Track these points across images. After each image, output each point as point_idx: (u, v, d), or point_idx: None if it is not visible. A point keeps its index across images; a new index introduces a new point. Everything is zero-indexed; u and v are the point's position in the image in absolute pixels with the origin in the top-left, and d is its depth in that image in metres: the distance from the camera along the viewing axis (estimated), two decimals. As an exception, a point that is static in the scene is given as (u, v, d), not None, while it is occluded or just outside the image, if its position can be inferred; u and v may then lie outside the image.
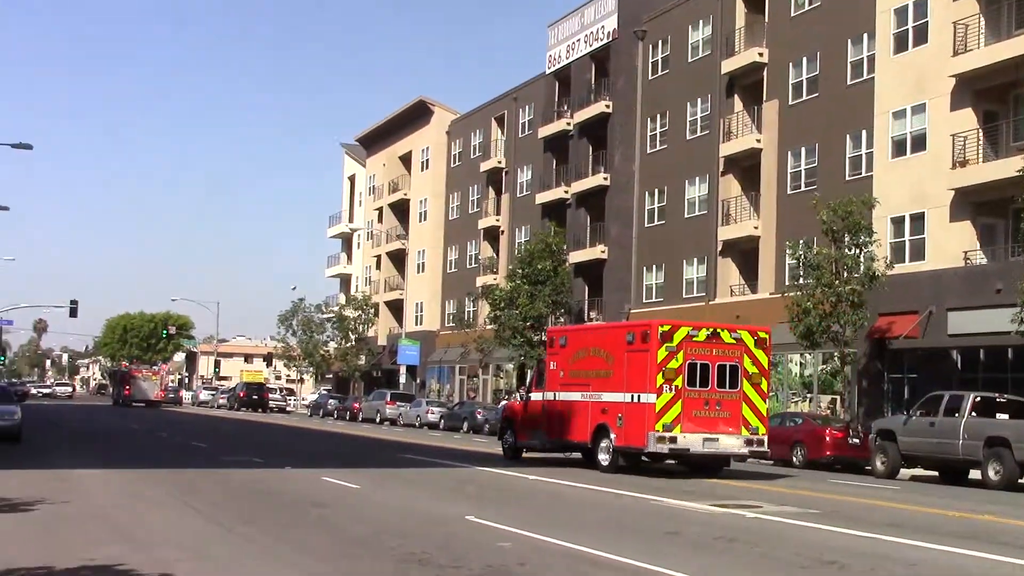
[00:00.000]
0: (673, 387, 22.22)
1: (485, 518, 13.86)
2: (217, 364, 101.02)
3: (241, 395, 73.85)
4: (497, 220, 62.84)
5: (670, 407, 22.22)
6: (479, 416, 47.92)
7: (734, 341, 22.74)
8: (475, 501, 16.34)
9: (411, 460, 26.06)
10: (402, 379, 67.00)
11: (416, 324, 70.36)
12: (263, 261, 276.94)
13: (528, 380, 28.61)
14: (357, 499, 16.39)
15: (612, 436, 23.09)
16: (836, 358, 33.66)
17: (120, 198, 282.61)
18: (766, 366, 23.00)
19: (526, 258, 51.78)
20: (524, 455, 26.72)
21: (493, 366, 60.86)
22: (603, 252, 51.94)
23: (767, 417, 23.18)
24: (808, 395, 37.47)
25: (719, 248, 44.35)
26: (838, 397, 35.06)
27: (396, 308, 74.29)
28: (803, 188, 39.62)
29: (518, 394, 28.24)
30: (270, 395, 75.27)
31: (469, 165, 66.66)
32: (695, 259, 45.87)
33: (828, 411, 35.20)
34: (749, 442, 22.70)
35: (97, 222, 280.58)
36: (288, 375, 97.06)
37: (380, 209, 77.47)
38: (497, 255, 63.34)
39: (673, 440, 22.16)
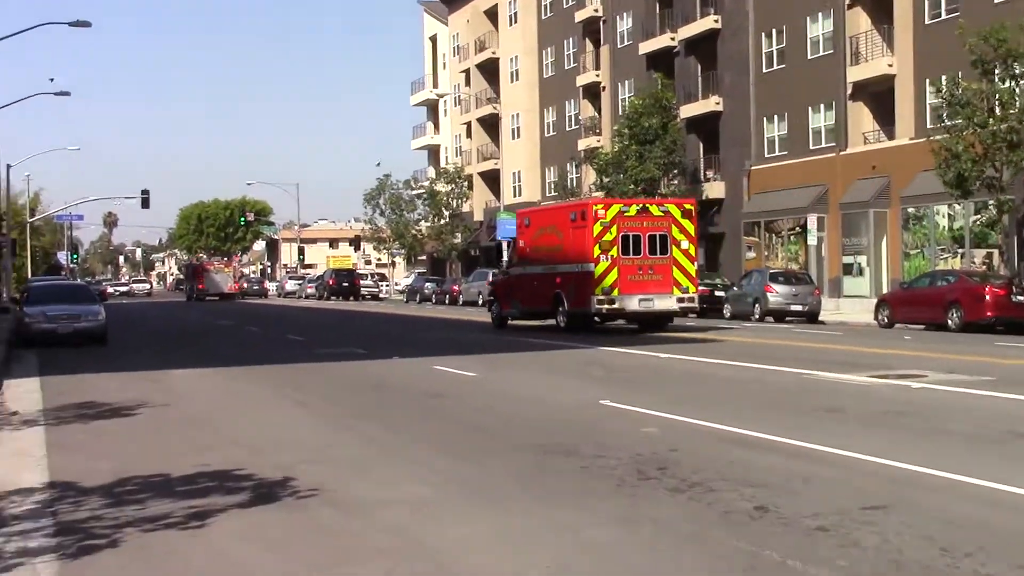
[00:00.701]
0: (609, 256, 28.28)
1: (620, 401, 13.73)
2: (301, 251, 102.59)
3: (330, 283, 74.89)
4: (597, 75, 61.39)
5: (607, 273, 28.31)
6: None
7: (662, 213, 28.70)
8: (604, 383, 16.32)
9: (525, 344, 26.18)
10: (504, 256, 66.95)
11: (515, 195, 70.08)
12: (343, 138, 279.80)
13: (507, 257, 34.64)
14: (476, 387, 16.46)
15: (565, 302, 29.57)
16: (992, 207, 32.68)
17: (189, 80, 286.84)
18: (693, 233, 28.84)
19: (632, 116, 50.55)
20: (509, 323, 32.98)
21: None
22: (717, 104, 50.39)
23: (696, 278, 29.23)
24: (959, 250, 36.42)
25: (848, 92, 42.43)
26: (995, 251, 34.21)
27: (492, 179, 73.93)
28: (944, 16, 37.87)
29: (500, 270, 35.06)
30: (361, 281, 76.24)
31: (562, 16, 64.98)
32: (821, 105, 44.04)
33: (984, 267, 34.26)
34: (681, 300, 28.79)
35: (166, 106, 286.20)
36: (378, 259, 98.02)
37: (467, 71, 76.37)
38: (599, 114, 62.25)
39: (612, 302, 28.33)
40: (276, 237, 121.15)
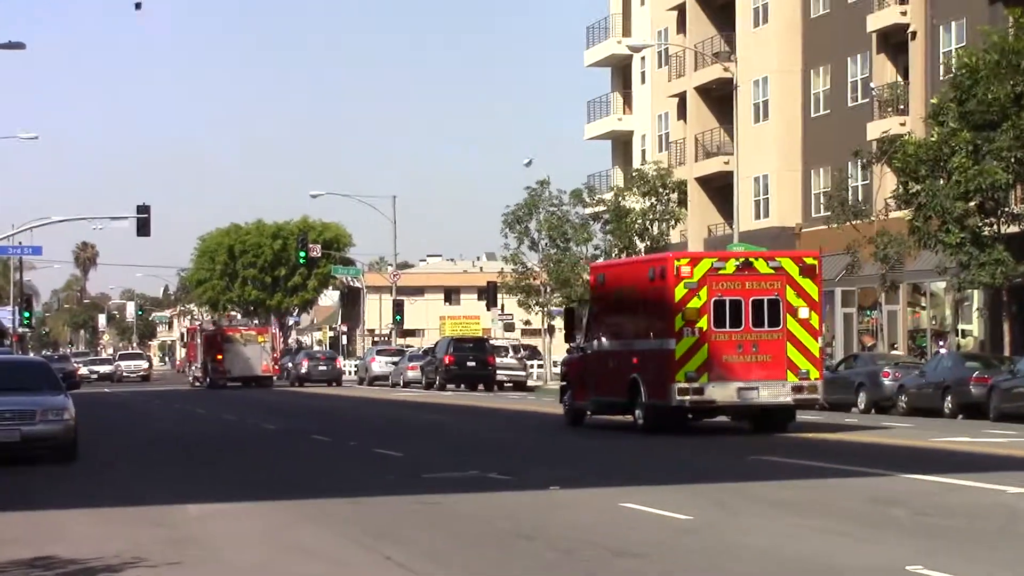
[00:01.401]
0: (696, 330, 32.95)
1: (938, 568, 13.90)
2: (398, 308, 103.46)
3: (447, 362, 75.62)
4: (902, 13, 60.94)
5: (693, 353, 33.02)
6: (886, 380, 47.43)
7: (772, 271, 33.46)
8: (911, 534, 16.53)
9: (773, 465, 26.45)
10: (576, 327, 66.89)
11: (757, 216, 69.84)
12: (466, 127, 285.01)
13: (584, 328, 40.00)
14: (695, 541, 16.54)
15: (643, 391, 34.30)
16: None
17: (220, 42, 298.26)
18: (816, 298, 33.45)
19: (963, 81, 49.80)
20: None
21: (907, 286, 60.13)
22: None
23: (820, 358, 34.21)
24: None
25: None
26: None
27: (719, 189, 73.98)
28: None
29: (574, 345, 40.98)
30: (497, 359, 77.07)
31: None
32: None
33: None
34: (798, 389, 33.32)
35: (184, 77, 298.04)
36: (526, 321, 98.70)
37: (680, 6, 76.84)
38: (905, 79, 62.15)
39: (699, 392, 33.01)
40: (358, 284, 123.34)
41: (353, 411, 53.15)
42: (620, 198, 75.55)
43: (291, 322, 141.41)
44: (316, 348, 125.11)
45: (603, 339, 37.47)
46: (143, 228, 70.83)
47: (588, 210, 78.97)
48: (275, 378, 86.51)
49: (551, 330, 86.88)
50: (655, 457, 29.84)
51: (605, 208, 76.74)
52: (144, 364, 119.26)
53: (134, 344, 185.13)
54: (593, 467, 27.27)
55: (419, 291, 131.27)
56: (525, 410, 52.58)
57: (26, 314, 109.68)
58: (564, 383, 41.40)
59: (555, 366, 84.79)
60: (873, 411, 46.11)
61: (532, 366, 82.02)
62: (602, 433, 36.72)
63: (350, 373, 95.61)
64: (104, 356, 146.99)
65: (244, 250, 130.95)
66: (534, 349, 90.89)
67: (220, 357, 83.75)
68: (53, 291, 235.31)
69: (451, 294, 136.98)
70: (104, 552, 15.87)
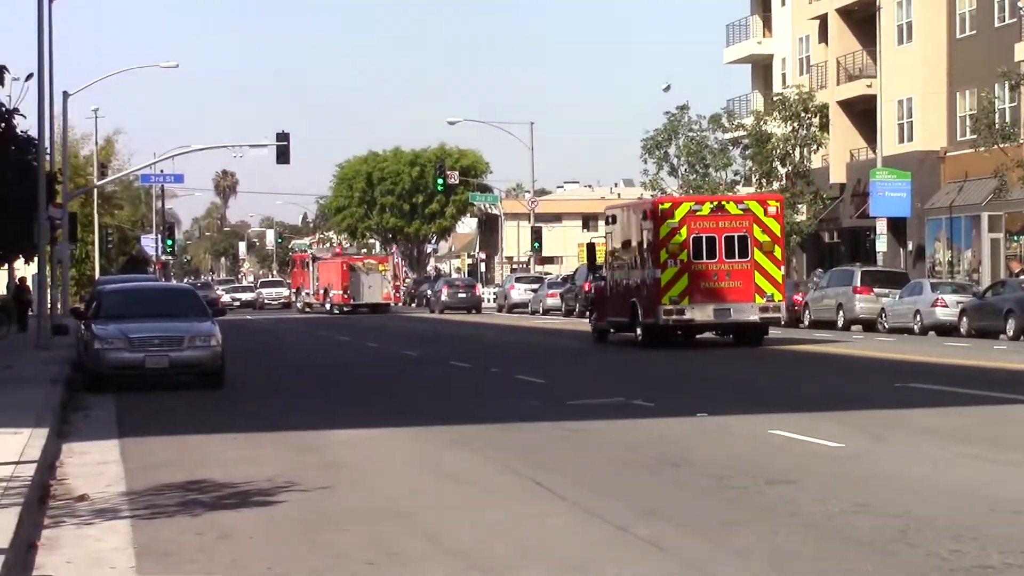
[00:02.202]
0: (678, 261, 40.38)
1: None
2: (536, 235, 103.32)
3: (587, 289, 75.39)
4: (1051, -76, 59.34)
5: (676, 280, 40.30)
6: (1037, 308, 46.56)
7: (741, 212, 40.97)
8: None
9: (925, 393, 26.26)
10: (879, 245, 65.95)
11: (901, 140, 68.71)
12: (604, 49, 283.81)
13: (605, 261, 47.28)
14: (846, 470, 16.42)
15: (640, 312, 41.77)
16: None
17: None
18: (779, 234, 41.85)
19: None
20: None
21: (1057, 210, 58.87)
22: None
23: (782, 284, 41.78)
24: None
25: None
26: None
27: (862, 113, 72.81)
28: None
29: (596, 275, 48.63)
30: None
31: None
32: None
33: None
34: (764, 309, 40.81)
35: (321, 5, 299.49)
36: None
37: (817, -76, 75.50)
38: (1055, -7, 60.19)
39: (680, 312, 40.57)
40: (495, 211, 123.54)
41: (493, 338, 53.49)
42: (760, 123, 74.69)
43: (429, 249, 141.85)
44: (455, 275, 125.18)
45: (615, 270, 45.13)
46: (282, 156, 70.93)
47: (727, 135, 78.15)
48: (392, 305, 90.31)
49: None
50: (798, 384, 29.76)
51: (745, 133, 75.92)
52: (285, 291, 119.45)
53: (274, 272, 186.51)
54: (741, 395, 27.20)
55: (557, 218, 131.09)
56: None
57: (168, 242, 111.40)
58: (590, 307, 50.61)
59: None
60: (1023, 338, 45.07)
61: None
62: (727, 358, 39.09)
63: (489, 300, 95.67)
64: (245, 283, 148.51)
65: (382, 177, 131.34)
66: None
67: (346, 284, 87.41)
68: (194, 219, 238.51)
69: (589, 221, 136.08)
70: (255, 476, 16.09)
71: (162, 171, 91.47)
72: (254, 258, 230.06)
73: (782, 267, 41.69)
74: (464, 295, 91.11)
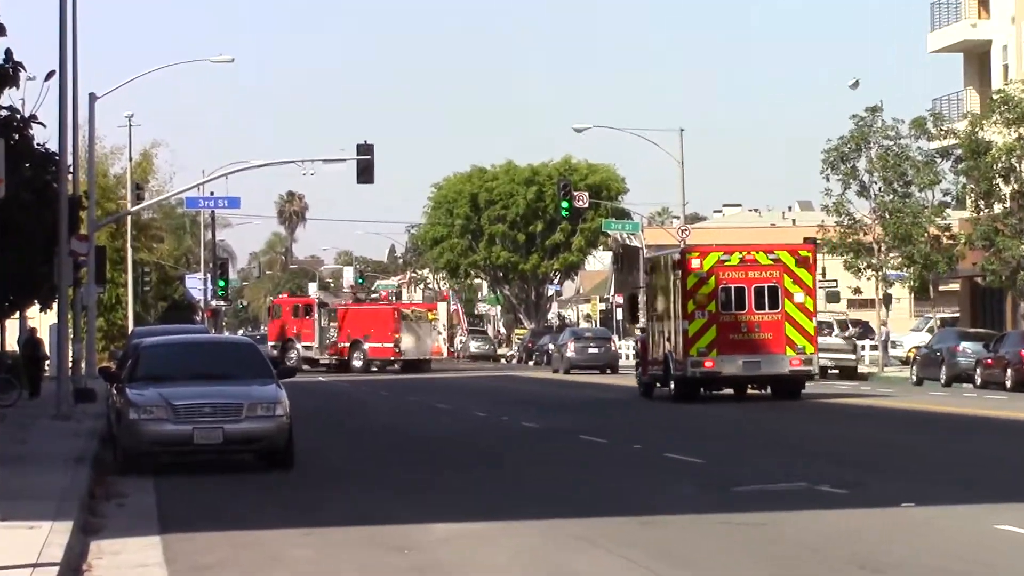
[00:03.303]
0: (706, 312, 48.99)
1: None
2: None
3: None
4: None
5: (704, 332, 48.93)
6: None
7: (771, 262, 49.43)
8: None
9: None
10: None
11: None
12: (771, 39, 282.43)
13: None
14: None
15: (672, 364, 50.19)
16: None
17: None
18: (810, 284, 50.01)
19: None
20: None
21: None
22: None
23: (814, 336, 50.39)
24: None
25: None
26: None
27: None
28: None
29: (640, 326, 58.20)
30: (819, 338, 75.64)
31: None
32: None
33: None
34: (795, 362, 49.06)
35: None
36: (855, 287, 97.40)
37: None
38: None
39: (709, 365, 49.02)
40: (635, 243, 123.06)
41: (633, 405, 53.43)
42: (977, 128, 73.91)
43: (551, 291, 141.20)
44: (584, 326, 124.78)
45: (653, 321, 54.29)
46: (364, 173, 70.82)
47: (934, 144, 77.39)
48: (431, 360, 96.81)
49: (887, 300, 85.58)
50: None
51: (957, 141, 75.08)
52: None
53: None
54: (963, 478, 27.04)
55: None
56: (866, 404, 52.15)
57: (221, 283, 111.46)
58: (637, 360, 58.48)
59: (893, 347, 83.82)
60: None
61: (863, 347, 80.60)
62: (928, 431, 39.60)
63: (628, 357, 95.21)
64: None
65: (491, 200, 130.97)
66: (866, 325, 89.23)
67: (396, 335, 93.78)
68: (252, 254, 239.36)
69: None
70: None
71: (212, 194, 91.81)
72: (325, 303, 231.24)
73: (814, 319, 50.89)
74: (596, 350, 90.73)
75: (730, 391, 53.05)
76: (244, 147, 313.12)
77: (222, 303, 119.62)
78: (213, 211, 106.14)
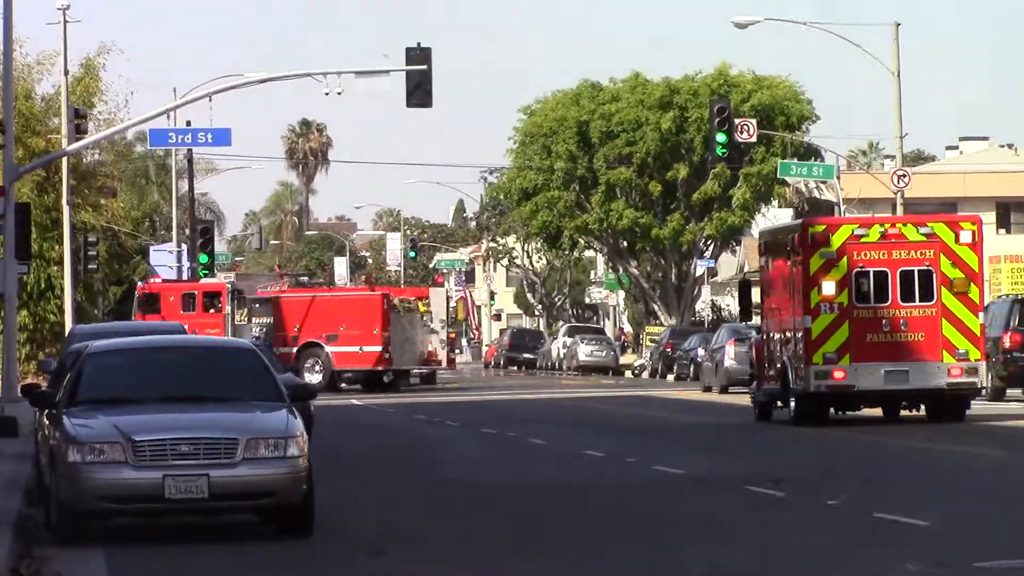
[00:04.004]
0: (835, 305, 51.49)
1: None
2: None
3: (1007, 344, 74.95)
4: None
5: (832, 332, 51.63)
6: None
7: (923, 238, 51.40)
8: None
9: None
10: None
11: None
12: None
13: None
14: None
15: (791, 376, 53.32)
16: None
17: None
18: (975, 269, 51.37)
19: None
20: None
21: None
22: None
23: (981, 337, 52.23)
24: None
25: None
26: None
27: None
28: None
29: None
30: None
31: None
32: None
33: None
34: (955, 372, 51.25)
35: None
36: None
37: None
38: None
39: (839, 376, 51.95)
40: (828, 196, 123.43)
41: (819, 442, 53.81)
42: None
43: (700, 269, 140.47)
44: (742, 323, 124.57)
45: (768, 319, 58.94)
46: (418, 91, 70.94)
47: None
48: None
49: None
50: None
51: None
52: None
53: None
54: None
55: (949, 206, 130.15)
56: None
57: (203, 257, 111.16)
58: (751, 371, 63.66)
59: None
60: None
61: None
62: None
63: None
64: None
65: (608, 132, 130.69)
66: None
67: (387, 333, 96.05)
68: (248, 214, 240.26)
69: (1009, 210, 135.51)
70: None
71: (189, 124, 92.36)
72: (362, 283, 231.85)
73: (980, 314, 52.71)
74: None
75: (874, 411, 55.57)
76: (234, 55, 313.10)
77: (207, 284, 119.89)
78: (191, 150, 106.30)
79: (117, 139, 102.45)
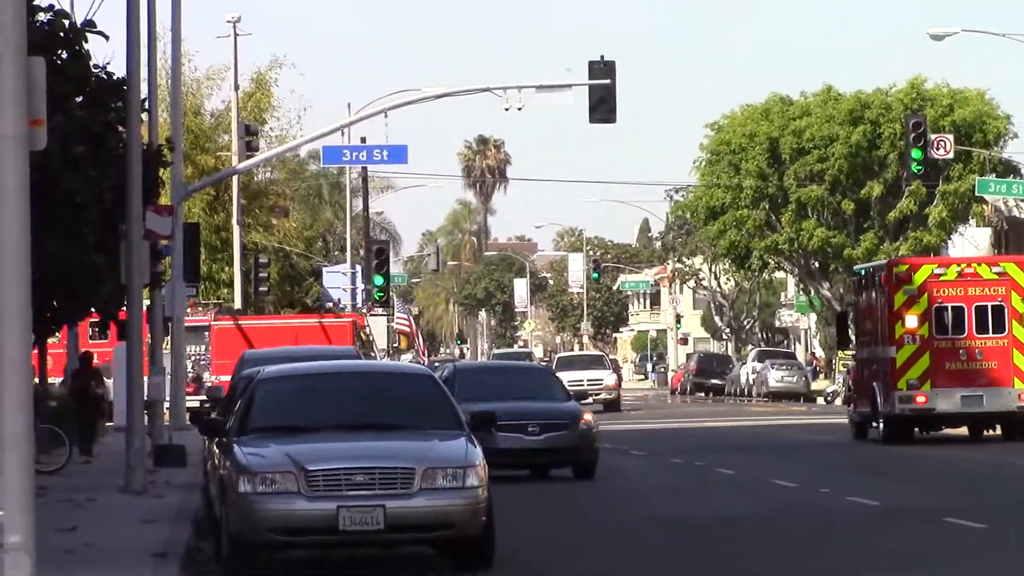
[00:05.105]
0: (917, 337, 64.25)
1: None
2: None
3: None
4: None
5: (915, 360, 64.17)
6: None
7: (996, 276, 64.15)
8: None
9: None
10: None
11: None
12: None
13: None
14: None
15: (879, 401, 65.59)
16: None
17: None
18: None
19: None
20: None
21: None
22: None
23: None
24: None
25: None
26: None
27: None
28: None
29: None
30: None
31: None
32: None
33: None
34: None
35: None
36: None
37: None
38: None
39: (921, 400, 64.25)
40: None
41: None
42: None
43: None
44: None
45: (861, 348, 70.63)
46: (601, 106, 71.09)
47: None
48: None
49: None
50: None
51: None
52: (606, 377, 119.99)
53: (584, 337, 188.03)
54: None
55: None
56: None
57: (378, 279, 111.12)
58: (849, 393, 76.36)
59: None
60: None
61: None
62: None
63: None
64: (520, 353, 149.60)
65: (799, 149, 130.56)
66: None
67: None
68: (425, 235, 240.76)
69: None
70: None
71: (364, 141, 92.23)
72: (544, 309, 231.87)
73: None
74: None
75: (959, 431, 64.43)
76: (407, 70, 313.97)
77: (381, 310, 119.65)
78: (365, 168, 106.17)
79: (289, 156, 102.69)
